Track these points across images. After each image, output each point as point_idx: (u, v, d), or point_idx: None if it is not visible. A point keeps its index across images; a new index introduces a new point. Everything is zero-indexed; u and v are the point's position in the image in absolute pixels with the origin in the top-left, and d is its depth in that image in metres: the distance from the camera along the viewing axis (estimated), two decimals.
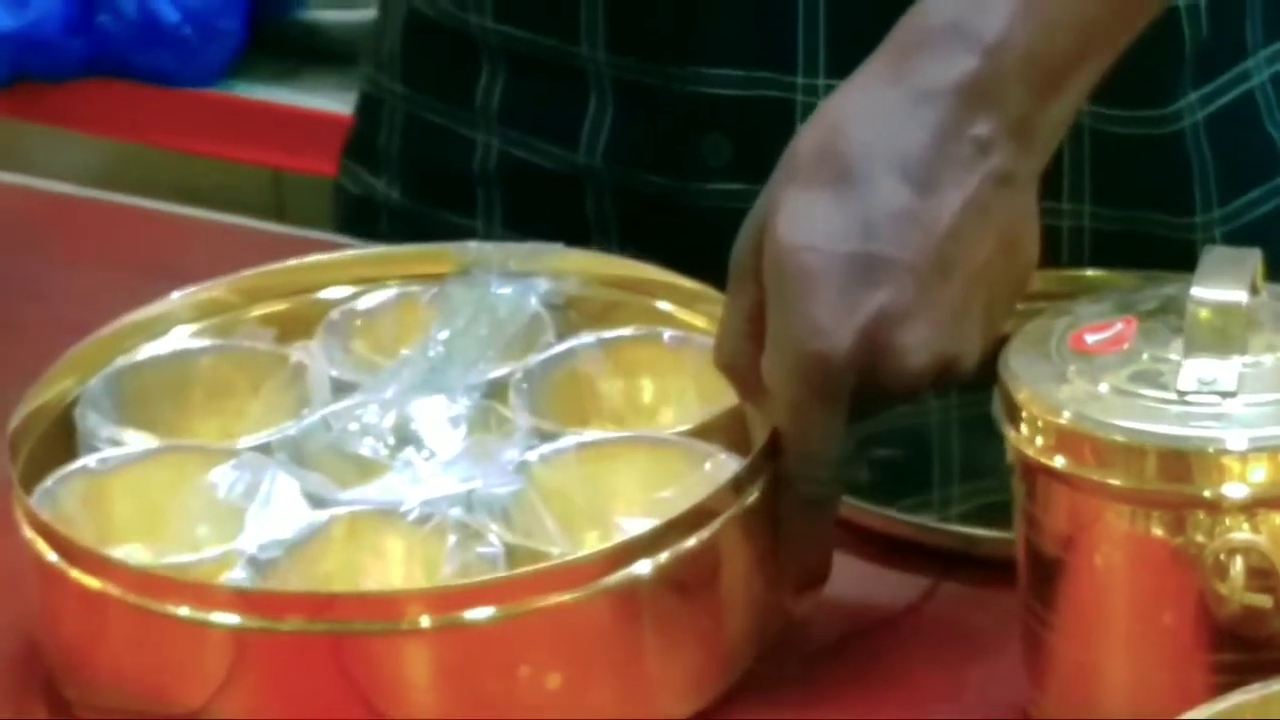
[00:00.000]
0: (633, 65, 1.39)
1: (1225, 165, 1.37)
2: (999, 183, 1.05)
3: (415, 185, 1.55)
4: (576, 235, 1.38)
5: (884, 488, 1.20)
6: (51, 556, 0.98)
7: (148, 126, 2.57)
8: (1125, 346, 0.92)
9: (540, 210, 1.46)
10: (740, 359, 1.07)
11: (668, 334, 1.23)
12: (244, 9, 2.50)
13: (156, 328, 1.22)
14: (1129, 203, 1.37)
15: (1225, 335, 0.91)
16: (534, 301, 1.23)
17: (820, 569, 1.07)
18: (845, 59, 1.22)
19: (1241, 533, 0.87)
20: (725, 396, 1.13)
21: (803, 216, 1.06)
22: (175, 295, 1.23)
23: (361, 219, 1.59)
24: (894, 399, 1.07)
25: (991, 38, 1.06)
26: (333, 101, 2.52)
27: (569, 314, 1.26)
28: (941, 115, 1.06)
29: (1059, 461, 0.88)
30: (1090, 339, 0.93)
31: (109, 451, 1.12)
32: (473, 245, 1.29)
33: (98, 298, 1.31)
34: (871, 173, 1.06)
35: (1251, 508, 0.86)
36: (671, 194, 1.40)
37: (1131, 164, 1.37)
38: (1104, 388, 0.89)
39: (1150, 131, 1.36)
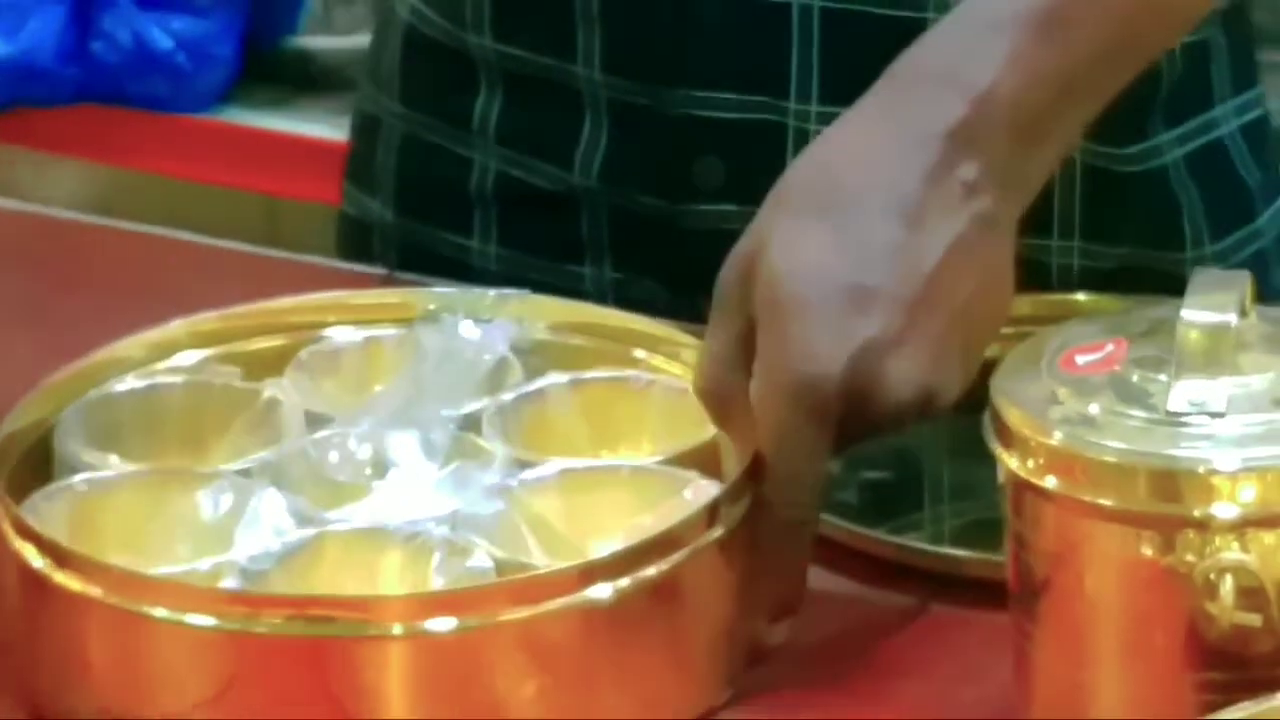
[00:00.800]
0: (628, 87, 1.39)
1: (1211, 204, 1.40)
2: (984, 225, 1.07)
3: (412, 204, 1.56)
4: (571, 254, 1.42)
5: (874, 509, 1.21)
6: (38, 562, 0.99)
7: (142, 152, 2.59)
8: (1116, 368, 0.93)
9: (535, 229, 1.47)
10: (722, 386, 1.09)
11: (634, 375, 1.23)
12: (238, 36, 2.54)
13: (128, 363, 1.22)
14: (1119, 239, 1.39)
15: (1215, 356, 0.91)
16: (501, 346, 1.24)
17: (795, 595, 1.08)
18: (838, 85, 1.26)
19: (1231, 552, 0.87)
20: (694, 436, 1.14)
21: (797, 246, 1.08)
22: (138, 335, 1.23)
23: (358, 242, 1.59)
24: (877, 429, 1.07)
25: (981, 87, 1.10)
26: (326, 128, 2.55)
27: (535, 359, 1.26)
28: (931, 157, 1.09)
29: (1050, 482, 0.89)
30: (1081, 360, 0.94)
31: (93, 473, 1.13)
32: (438, 290, 1.31)
33: (90, 322, 1.31)
34: (864, 207, 1.09)
35: (1241, 527, 0.87)
36: (665, 215, 1.41)
37: (1121, 200, 1.39)
38: (1094, 409, 0.90)
39: (1134, 168, 1.39)
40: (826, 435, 1.05)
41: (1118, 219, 1.41)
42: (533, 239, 1.48)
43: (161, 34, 2.51)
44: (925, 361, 1.06)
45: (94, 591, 0.97)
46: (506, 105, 1.48)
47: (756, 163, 1.32)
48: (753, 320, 1.09)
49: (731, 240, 1.14)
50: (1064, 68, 1.17)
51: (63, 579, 0.97)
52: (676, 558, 0.97)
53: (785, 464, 1.06)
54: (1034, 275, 1.26)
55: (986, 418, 0.94)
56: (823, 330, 1.06)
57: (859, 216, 1.10)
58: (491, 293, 1.28)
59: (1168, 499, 0.87)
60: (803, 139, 1.34)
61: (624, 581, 0.95)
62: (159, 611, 0.95)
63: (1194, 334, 0.91)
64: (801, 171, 1.14)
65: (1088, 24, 1.18)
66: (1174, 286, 1.20)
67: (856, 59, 1.23)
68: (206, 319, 1.23)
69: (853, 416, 1.05)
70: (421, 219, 1.54)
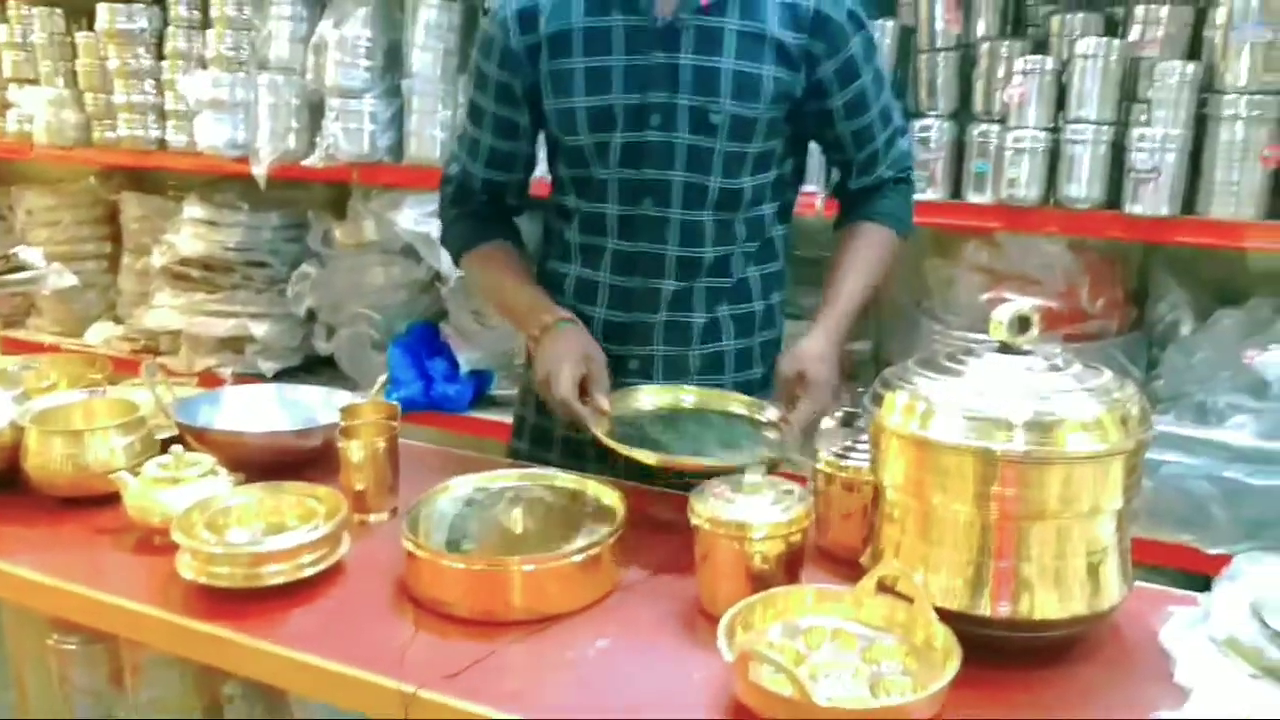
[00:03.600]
0: None
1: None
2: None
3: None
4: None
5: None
6: (416, 551, 1.12)
7: (447, 422, 2.54)
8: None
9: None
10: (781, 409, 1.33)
11: None
12: (474, 389, 2.62)
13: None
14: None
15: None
16: None
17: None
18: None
19: (758, 545, 1.09)
20: None
21: (819, 368, 1.35)
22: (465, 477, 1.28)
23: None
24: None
25: (840, 340, 1.40)
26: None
27: None
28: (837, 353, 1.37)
29: (705, 525, 1.10)
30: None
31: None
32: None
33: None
34: (831, 363, 1.37)
35: (760, 540, 1.09)
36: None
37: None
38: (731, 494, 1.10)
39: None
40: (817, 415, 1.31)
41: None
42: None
43: (451, 388, 2.58)
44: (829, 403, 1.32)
45: (426, 557, 1.11)
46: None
47: None
48: (792, 391, 1.34)
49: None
50: (849, 325, 1.44)
51: (421, 555, 1.12)
52: (595, 549, 1.13)
53: (804, 420, 1.31)
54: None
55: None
56: (827, 393, 1.34)
57: (830, 365, 1.36)
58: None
59: (739, 530, 1.09)
60: None
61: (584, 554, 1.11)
62: (454, 565, 1.09)
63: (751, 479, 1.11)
64: (807, 348, 1.38)
65: (855, 312, 1.45)
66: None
67: None
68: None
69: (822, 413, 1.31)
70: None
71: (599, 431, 1.28)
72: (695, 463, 1.25)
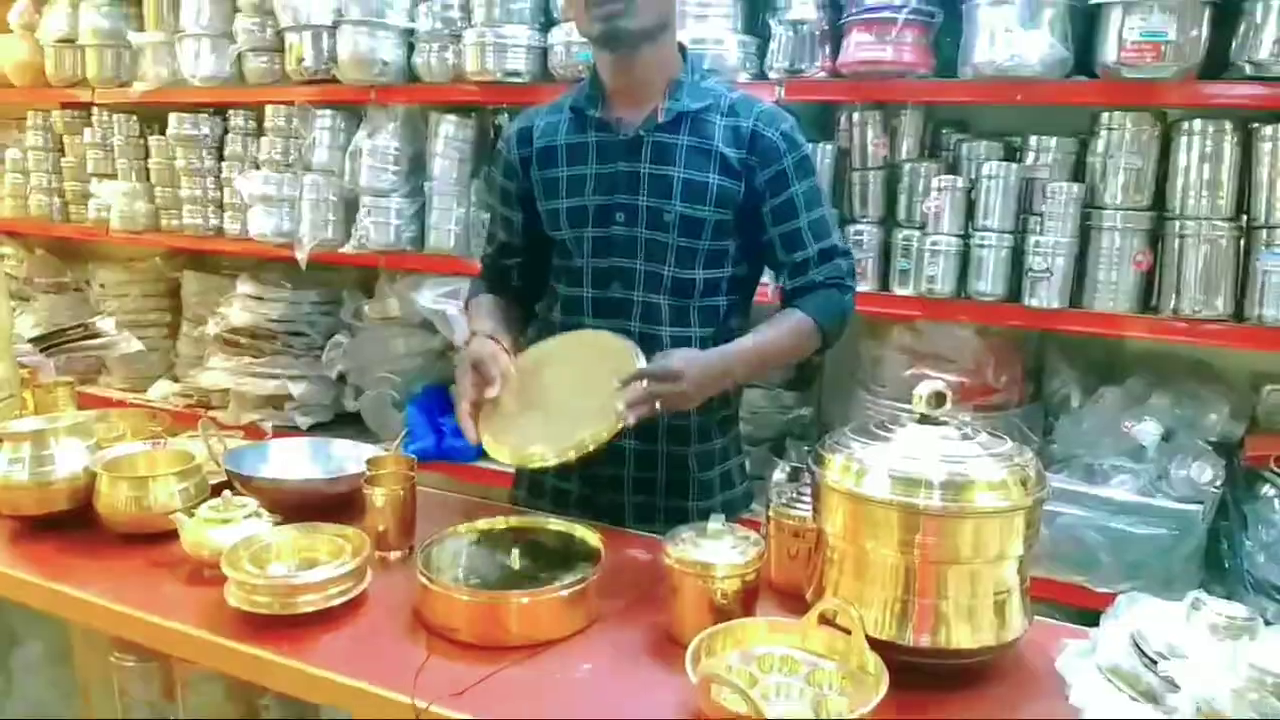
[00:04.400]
0: None
1: None
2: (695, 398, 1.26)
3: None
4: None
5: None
6: (424, 582, 1.10)
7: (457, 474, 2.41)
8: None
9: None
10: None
11: None
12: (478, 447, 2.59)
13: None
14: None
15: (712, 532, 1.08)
16: None
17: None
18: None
19: (720, 583, 1.06)
20: None
21: (691, 370, 1.27)
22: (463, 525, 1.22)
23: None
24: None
25: (723, 368, 1.31)
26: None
27: None
28: (706, 367, 1.27)
29: (675, 564, 1.07)
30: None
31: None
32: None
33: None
34: (693, 364, 1.27)
35: (721, 578, 1.06)
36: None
37: None
38: (700, 540, 1.07)
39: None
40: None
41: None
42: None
43: (460, 442, 2.07)
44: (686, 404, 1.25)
45: (438, 590, 1.08)
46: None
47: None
48: (657, 364, 1.25)
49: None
50: (733, 362, 1.34)
51: (433, 588, 1.09)
52: (581, 585, 1.09)
53: (656, 399, 1.23)
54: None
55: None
56: (676, 368, 1.25)
57: (692, 365, 1.27)
58: None
59: (704, 569, 1.06)
60: None
61: (568, 590, 1.07)
62: (461, 596, 1.06)
63: (714, 525, 1.10)
64: (697, 362, 1.28)
65: (749, 363, 1.36)
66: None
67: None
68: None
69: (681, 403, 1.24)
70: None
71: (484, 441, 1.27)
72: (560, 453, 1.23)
